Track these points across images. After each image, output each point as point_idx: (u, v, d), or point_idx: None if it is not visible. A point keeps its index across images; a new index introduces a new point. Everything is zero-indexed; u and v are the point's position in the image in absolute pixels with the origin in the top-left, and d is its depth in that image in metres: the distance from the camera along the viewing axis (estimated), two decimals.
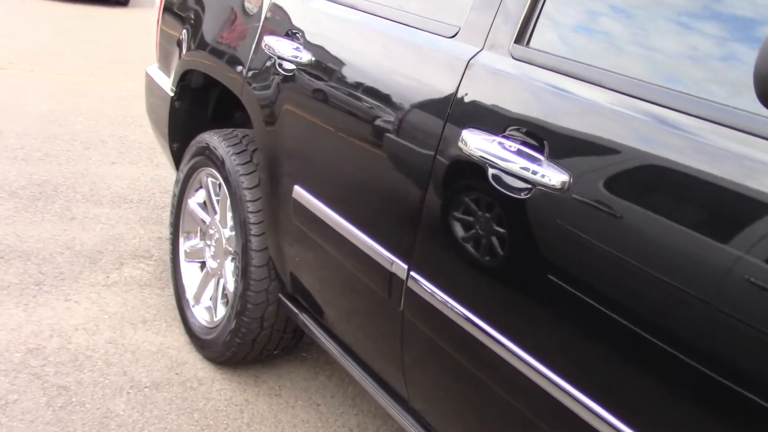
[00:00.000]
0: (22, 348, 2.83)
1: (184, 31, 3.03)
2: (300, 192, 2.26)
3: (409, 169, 1.84)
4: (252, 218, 2.56)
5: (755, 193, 1.18)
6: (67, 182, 4.45)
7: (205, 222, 2.96)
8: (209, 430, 2.56)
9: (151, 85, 3.35)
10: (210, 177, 2.89)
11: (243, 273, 2.60)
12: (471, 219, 1.65)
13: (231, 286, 2.76)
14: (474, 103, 1.68)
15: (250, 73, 2.51)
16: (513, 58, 1.66)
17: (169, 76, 3.21)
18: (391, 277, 1.89)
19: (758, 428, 1.18)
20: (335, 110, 2.11)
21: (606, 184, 1.40)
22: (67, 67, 7.29)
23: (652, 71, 1.43)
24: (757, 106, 1.22)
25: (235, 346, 2.71)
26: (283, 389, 2.85)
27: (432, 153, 1.76)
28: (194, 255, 3.08)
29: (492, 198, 1.60)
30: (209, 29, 2.84)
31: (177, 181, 3.07)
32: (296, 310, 2.48)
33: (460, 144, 1.68)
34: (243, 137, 2.75)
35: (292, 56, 2.31)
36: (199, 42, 2.87)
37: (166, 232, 3.99)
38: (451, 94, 1.74)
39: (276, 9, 2.49)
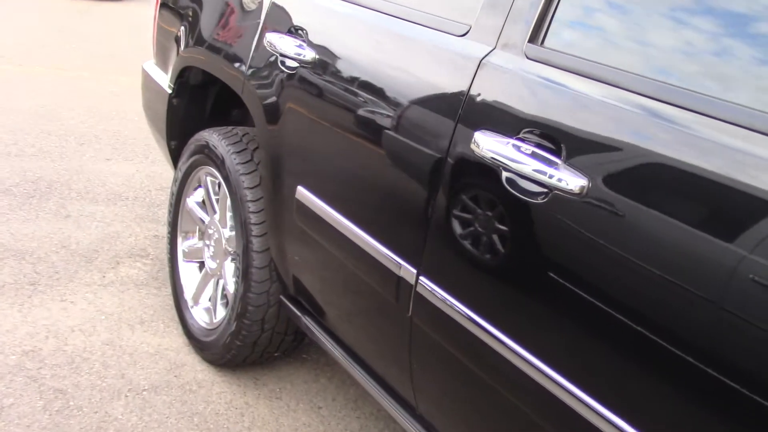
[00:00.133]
0: (17, 350, 2.77)
1: (182, 27, 2.97)
2: (303, 193, 2.21)
3: (418, 170, 1.80)
4: (253, 219, 2.52)
5: None
6: (62, 179, 4.39)
7: (203, 221, 2.91)
8: None
9: (148, 82, 3.29)
10: (209, 176, 2.84)
11: (244, 274, 2.55)
12: (484, 223, 1.61)
13: (231, 288, 2.71)
14: (487, 104, 1.64)
15: (251, 71, 2.45)
16: (527, 57, 1.62)
17: (166, 72, 3.15)
18: (399, 281, 1.84)
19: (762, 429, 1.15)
20: (341, 110, 2.06)
21: (627, 189, 1.35)
22: (59, 61, 7.21)
23: (675, 73, 1.39)
24: None
25: (236, 349, 2.66)
26: (283, 392, 2.80)
27: (442, 154, 1.71)
28: (193, 255, 3.03)
29: (506, 202, 1.56)
30: (208, 25, 2.78)
31: (175, 180, 3.02)
32: (298, 313, 2.44)
33: (472, 146, 1.63)
34: (243, 135, 2.70)
35: (296, 54, 2.26)
36: (197, 38, 2.82)
37: (162, 230, 3.93)
38: (463, 95, 1.70)
39: (277, 5, 2.44)
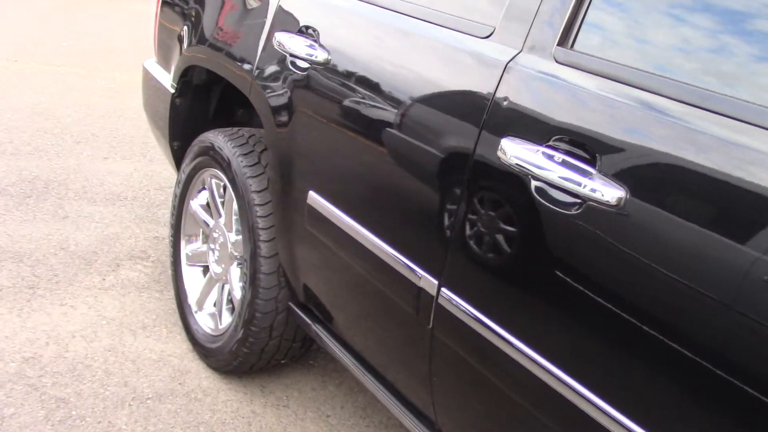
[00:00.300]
0: (17, 357, 2.70)
1: (185, 25, 2.90)
2: (315, 198, 2.14)
3: (439, 178, 1.73)
4: (261, 223, 2.45)
5: None
6: (59, 178, 4.31)
7: (208, 225, 2.84)
8: None
9: (150, 81, 3.22)
10: (214, 178, 2.77)
11: (251, 280, 2.48)
12: (510, 234, 1.55)
13: (238, 294, 2.64)
14: (514, 110, 1.57)
15: (259, 71, 2.38)
16: (556, 61, 1.55)
17: (168, 71, 3.07)
18: (419, 292, 1.78)
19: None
20: (356, 113, 1.99)
21: (667, 202, 1.29)
22: (54, 57, 7.11)
23: (718, 79, 1.32)
24: None
25: (242, 356, 2.59)
26: (290, 400, 2.74)
27: (466, 162, 1.65)
28: (196, 259, 2.95)
29: (535, 212, 1.49)
30: (213, 23, 2.71)
31: (178, 182, 2.95)
32: (308, 320, 2.37)
33: (498, 153, 1.57)
34: (249, 137, 2.62)
35: (307, 54, 2.19)
36: (201, 37, 2.75)
37: (162, 231, 3.86)
38: (487, 99, 1.63)
39: (287, 4, 2.36)
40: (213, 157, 2.67)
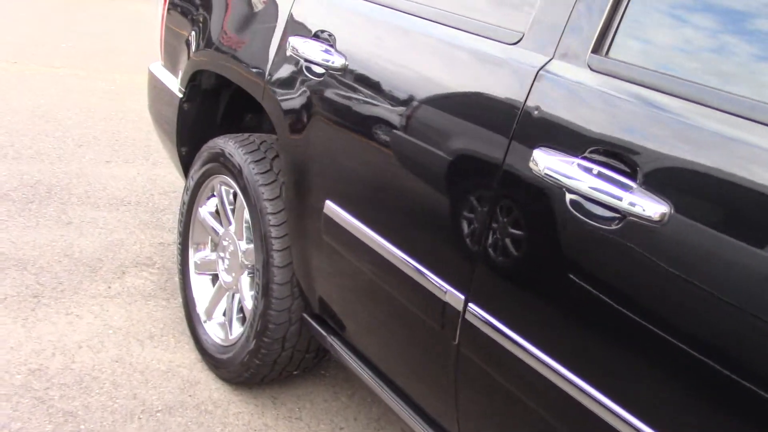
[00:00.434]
0: (23, 369, 2.64)
1: (194, 28, 2.84)
2: (333, 208, 2.08)
3: (466, 189, 1.67)
4: (274, 232, 2.39)
5: None
6: (61, 183, 4.24)
7: (217, 233, 2.78)
8: None
9: (156, 85, 3.15)
10: (224, 185, 2.71)
11: (264, 290, 2.42)
12: (544, 249, 1.49)
13: (249, 304, 2.58)
14: (546, 120, 1.51)
15: (272, 76, 2.32)
16: (591, 69, 1.49)
17: (175, 75, 3.01)
18: (445, 307, 1.72)
19: None
20: (375, 121, 1.93)
21: (714, 219, 1.23)
22: (53, 59, 7.04)
23: (763, 89, 1.26)
24: None
25: (254, 368, 2.53)
26: (303, 411, 2.68)
27: (494, 172, 1.59)
28: (205, 267, 2.89)
29: (570, 226, 1.43)
30: (223, 27, 2.65)
31: (186, 189, 2.88)
32: (323, 332, 2.31)
33: (530, 164, 1.51)
34: (261, 143, 2.56)
35: (323, 60, 2.13)
36: (211, 41, 2.68)
37: (167, 237, 3.80)
38: (517, 108, 1.57)
39: (301, 8, 2.30)
40: (223, 164, 2.61)
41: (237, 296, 2.70)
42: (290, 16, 2.32)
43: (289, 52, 2.27)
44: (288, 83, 2.26)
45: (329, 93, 2.10)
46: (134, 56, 7.65)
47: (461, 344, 1.69)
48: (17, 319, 2.91)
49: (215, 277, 2.86)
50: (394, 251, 1.87)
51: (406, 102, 1.86)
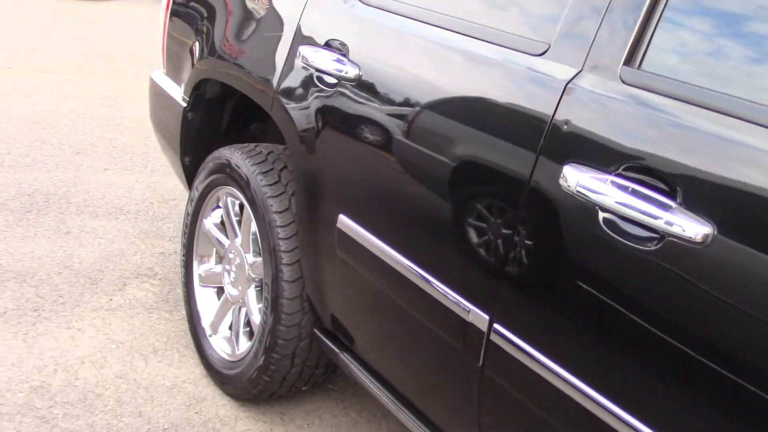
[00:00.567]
0: (25, 386, 2.57)
1: (198, 36, 2.77)
2: (346, 222, 2.02)
3: (490, 205, 1.62)
4: (283, 245, 2.32)
5: None
6: (59, 191, 4.17)
7: (222, 245, 2.71)
8: None
9: (158, 93, 3.09)
10: (229, 196, 2.64)
11: (273, 305, 2.36)
12: (576, 268, 1.43)
13: (257, 318, 2.51)
14: (577, 134, 1.46)
15: (281, 87, 2.26)
16: (623, 82, 1.44)
17: (178, 83, 2.95)
18: (467, 327, 1.66)
19: None
20: (392, 133, 1.87)
21: (761, 241, 1.18)
22: (46, 64, 6.95)
23: None
24: None
25: (263, 384, 2.47)
26: (312, 428, 2.62)
27: (521, 188, 1.53)
28: (210, 280, 2.83)
29: (604, 246, 1.38)
30: (229, 35, 2.58)
31: (190, 200, 2.82)
32: (336, 349, 2.25)
33: (560, 180, 1.45)
34: (268, 154, 2.50)
35: (336, 69, 2.07)
36: (217, 49, 2.62)
37: (168, 246, 3.73)
38: (545, 123, 1.51)
39: (311, 16, 2.24)
40: (230, 175, 2.55)
41: (244, 310, 2.64)
42: (299, 24, 2.26)
43: (299, 62, 2.21)
44: (298, 93, 2.20)
45: (342, 104, 2.04)
46: (129, 61, 7.59)
47: (486, 366, 1.63)
48: (18, 333, 2.84)
49: (220, 290, 2.80)
50: (412, 268, 1.81)
51: (425, 114, 1.80)
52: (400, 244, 1.86)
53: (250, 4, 2.53)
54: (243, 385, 2.53)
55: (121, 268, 3.46)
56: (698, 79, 1.36)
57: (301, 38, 2.24)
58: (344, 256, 2.06)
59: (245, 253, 2.57)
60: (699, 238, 1.23)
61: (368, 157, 1.95)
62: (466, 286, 1.67)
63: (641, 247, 1.32)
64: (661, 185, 1.31)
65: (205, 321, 2.79)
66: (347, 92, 2.02)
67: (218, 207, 2.75)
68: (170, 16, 3.00)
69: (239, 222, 2.62)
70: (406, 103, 1.85)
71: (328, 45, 2.14)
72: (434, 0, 1.93)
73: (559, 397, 1.46)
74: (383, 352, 2.08)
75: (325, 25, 2.19)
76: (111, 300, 3.17)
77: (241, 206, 2.60)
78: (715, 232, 1.22)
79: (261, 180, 2.41)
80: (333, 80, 2.08)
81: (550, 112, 1.51)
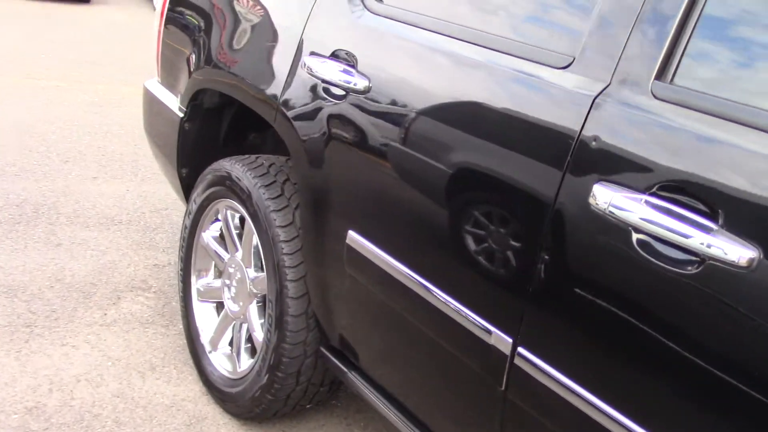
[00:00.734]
0: (19, 407, 2.49)
1: (195, 44, 2.70)
2: (356, 239, 1.96)
3: (511, 223, 1.56)
4: (287, 261, 2.26)
5: None
6: (48, 202, 4.08)
7: (222, 259, 2.64)
8: None
9: (153, 103, 3.01)
10: (230, 209, 2.57)
11: (277, 322, 2.29)
12: (607, 291, 1.37)
13: (259, 335, 2.44)
14: (607, 152, 1.40)
15: (285, 98, 2.19)
16: (655, 97, 1.38)
17: (174, 93, 2.87)
18: (490, 350, 1.60)
19: None
20: (408, 149, 1.81)
21: None
22: (31, 70, 6.85)
23: None
24: None
25: (266, 403, 2.40)
26: None
27: (546, 208, 1.47)
28: (209, 295, 2.75)
29: (637, 268, 1.32)
30: (229, 44, 2.51)
31: (188, 213, 2.75)
32: (344, 368, 2.18)
33: (589, 200, 1.39)
34: (270, 165, 2.43)
35: (344, 81, 2.00)
36: (216, 58, 2.55)
37: (162, 257, 3.65)
38: (572, 139, 1.46)
39: (316, 25, 2.17)
40: (230, 188, 2.48)
41: (245, 326, 2.57)
42: (303, 34, 2.20)
43: (303, 72, 2.15)
44: (303, 105, 2.13)
45: (352, 116, 1.97)
46: (115, 66, 7.50)
47: (509, 390, 1.57)
48: (10, 351, 2.76)
49: (220, 305, 2.72)
50: (429, 287, 1.75)
51: (440, 128, 1.74)
52: (415, 262, 1.79)
53: (250, 13, 2.46)
54: (245, 404, 2.46)
55: (115, 280, 3.38)
56: (735, 94, 1.30)
57: (305, 48, 2.17)
58: (354, 273, 2.00)
59: (246, 267, 2.50)
60: (743, 262, 1.18)
61: (380, 171, 1.89)
62: (487, 307, 1.61)
63: (679, 270, 1.26)
64: (701, 206, 1.25)
65: (204, 337, 2.72)
66: (357, 104, 1.96)
67: (217, 220, 2.68)
68: (165, 24, 2.93)
69: (239, 235, 2.55)
70: (420, 117, 1.79)
71: (334, 56, 2.07)
72: (450, 11, 1.86)
73: (590, 426, 1.40)
74: (395, 373, 2.01)
75: (331, 35, 2.12)
76: (105, 314, 3.09)
77: (242, 219, 2.53)
78: (761, 256, 1.17)
79: (263, 193, 2.34)
80: (341, 92, 2.02)
81: (576, 128, 1.45)
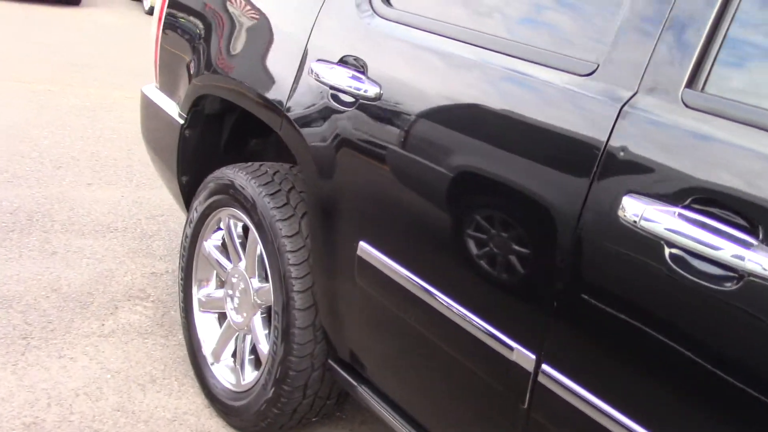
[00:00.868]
0: (17, 423, 2.42)
1: (196, 49, 2.64)
2: (368, 250, 1.90)
3: (534, 235, 1.51)
4: (294, 272, 2.20)
5: None
6: (42, 209, 4.01)
7: (224, 268, 2.58)
8: None
9: (152, 109, 2.95)
10: (232, 218, 2.51)
11: (284, 335, 2.23)
12: (637, 306, 1.32)
13: (264, 347, 2.38)
14: (636, 163, 1.35)
15: (291, 105, 2.14)
16: (686, 106, 1.33)
17: (174, 99, 2.81)
18: (511, 367, 1.55)
19: None
20: (422, 158, 1.75)
21: None
22: (21, 73, 6.77)
23: None
24: None
25: (272, 417, 2.34)
26: None
27: (571, 220, 1.42)
28: (211, 305, 2.69)
29: (671, 284, 1.27)
30: (231, 49, 2.46)
31: (189, 222, 2.69)
32: (353, 382, 2.12)
33: (619, 212, 1.34)
34: (274, 173, 2.37)
35: (354, 88, 1.95)
36: (218, 64, 2.49)
37: (159, 265, 3.59)
38: (598, 149, 1.40)
39: (323, 30, 2.12)
40: (233, 197, 2.42)
41: (248, 337, 2.51)
42: (309, 39, 2.14)
43: (310, 79, 2.09)
44: (311, 112, 2.07)
45: (362, 124, 1.92)
46: (105, 69, 7.43)
47: (532, 409, 1.52)
48: (6, 365, 2.69)
49: (222, 316, 2.66)
50: (446, 301, 1.69)
51: (456, 137, 1.68)
52: (432, 275, 1.74)
53: (252, 18, 2.40)
54: (250, 418, 2.40)
55: (112, 290, 3.31)
56: None
57: (312, 53, 2.12)
58: (365, 285, 1.95)
59: (250, 277, 2.44)
60: None
61: (393, 180, 1.83)
62: (508, 322, 1.56)
63: (716, 287, 1.21)
64: (739, 220, 1.20)
65: (207, 348, 2.65)
66: (368, 112, 1.90)
67: (219, 229, 2.62)
68: (163, 29, 2.87)
69: (243, 245, 2.49)
70: (436, 125, 1.74)
71: (343, 62, 2.02)
72: (466, 16, 1.81)
73: None
74: (409, 388, 1.95)
75: (339, 41, 2.06)
76: (103, 325, 3.03)
77: (245, 228, 2.47)
78: None
79: (268, 202, 2.28)
80: (350, 99, 1.96)
81: (603, 138, 1.40)
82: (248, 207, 2.34)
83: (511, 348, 1.54)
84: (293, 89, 2.15)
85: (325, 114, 2.02)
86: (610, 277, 1.37)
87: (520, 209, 1.54)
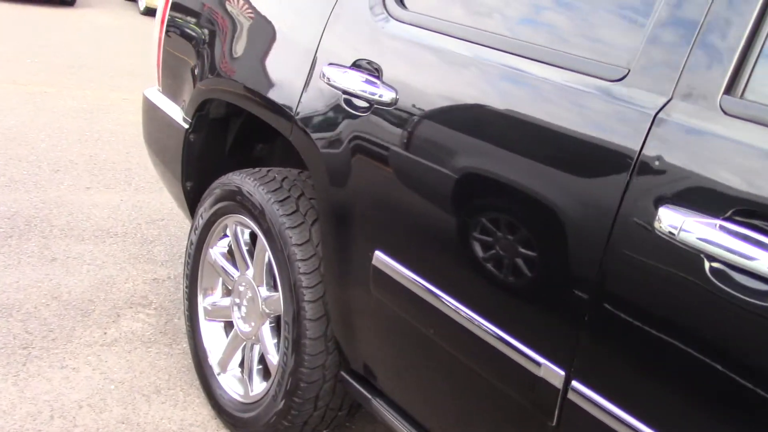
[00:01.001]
0: None
1: (201, 53, 2.58)
2: (384, 260, 1.85)
3: (561, 247, 1.45)
4: (305, 281, 2.14)
5: None
6: (40, 214, 3.95)
7: (231, 276, 2.52)
8: None
9: (155, 113, 2.88)
10: (239, 225, 2.45)
11: (294, 346, 2.17)
12: (674, 322, 1.27)
13: (274, 358, 2.32)
14: (673, 173, 1.29)
15: (302, 110, 2.08)
16: (725, 113, 1.27)
17: (177, 102, 2.75)
18: (539, 383, 1.49)
19: None
20: (442, 165, 1.69)
21: None
22: (17, 75, 6.70)
23: None
24: None
25: (282, 429, 2.29)
26: None
27: (603, 231, 1.37)
28: (217, 314, 2.63)
29: (712, 299, 1.22)
30: (238, 52, 2.39)
31: (194, 228, 2.62)
32: (368, 394, 2.07)
33: (655, 224, 1.29)
34: (283, 180, 2.31)
35: (369, 93, 1.89)
36: (224, 67, 2.43)
37: (161, 271, 3.53)
38: (631, 158, 1.35)
39: (336, 32, 2.06)
40: (240, 203, 2.36)
41: (256, 347, 2.45)
42: (320, 42, 2.08)
43: (322, 83, 2.03)
44: (323, 117, 2.01)
45: (378, 130, 1.86)
46: (102, 71, 7.36)
47: (561, 426, 1.46)
48: (7, 375, 2.63)
49: (228, 324, 2.60)
50: (468, 314, 1.63)
51: (478, 144, 1.63)
52: (453, 286, 1.68)
53: (260, 20, 2.34)
54: (259, 430, 2.34)
55: (113, 297, 3.25)
56: None
57: (323, 57, 2.06)
58: (380, 296, 1.89)
59: (258, 286, 2.38)
60: None
61: (409, 188, 1.77)
62: (536, 336, 1.50)
63: (761, 303, 1.16)
64: None
65: (213, 358, 2.59)
66: (383, 117, 1.85)
67: (225, 236, 2.56)
68: (166, 31, 2.80)
69: (250, 252, 2.43)
70: (455, 132, 1.68)
71: (356, 65, 1.96)
72: (485, 19, 1.75)
73: None
74: (427, 403, 1.89)
75: (352, 44, 2.00)
76: (105, 334, 2.97)
77: (252, 235, 2.41)
78: None
79: (277, 209, 2.22)
80: (364, 104, 1.91)
81: (636, 147, 1.34)
82: (256, 214, 2.28)
83: (538, 363, 1.49)
84: (303, 93, 2.09)
85: (338, 119, 1.97)
86: (644, 290, 1.32)
87: (547, 220, 1.48)
